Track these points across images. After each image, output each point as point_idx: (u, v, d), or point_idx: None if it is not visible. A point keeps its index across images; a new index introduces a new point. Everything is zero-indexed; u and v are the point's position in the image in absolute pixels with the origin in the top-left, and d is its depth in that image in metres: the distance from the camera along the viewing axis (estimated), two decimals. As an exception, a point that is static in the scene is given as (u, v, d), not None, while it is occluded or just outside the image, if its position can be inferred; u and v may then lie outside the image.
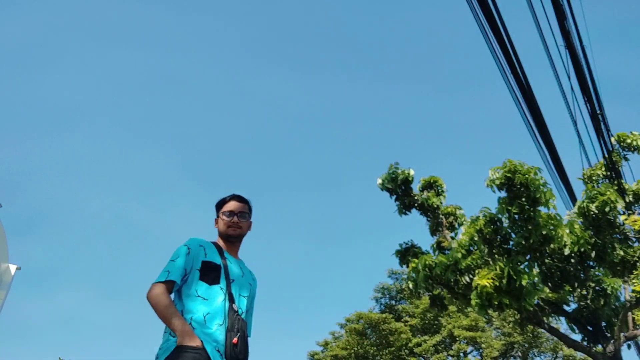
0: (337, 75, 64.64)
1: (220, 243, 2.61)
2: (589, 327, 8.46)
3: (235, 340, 2.24)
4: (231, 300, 2.35)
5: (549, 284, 8.09)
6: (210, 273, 2.39)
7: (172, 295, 2.33)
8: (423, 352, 20.95)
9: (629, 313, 8.13)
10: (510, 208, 7.46)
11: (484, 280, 6.96)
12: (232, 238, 2.60)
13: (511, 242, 7.92)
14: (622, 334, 7.91)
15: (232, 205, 2.65)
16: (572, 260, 7.76)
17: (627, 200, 8.77)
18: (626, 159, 9.73)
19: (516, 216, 7.55)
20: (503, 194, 7.63)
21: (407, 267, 9.27)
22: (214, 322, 2.26)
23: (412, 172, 10.04)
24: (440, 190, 10.22)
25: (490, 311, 7.33)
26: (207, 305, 2.30)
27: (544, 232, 7.36)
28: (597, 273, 8.02)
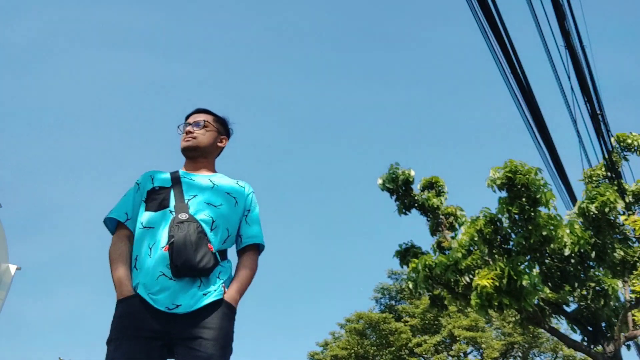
0: (338, 78, 64.66)
1: (185, 167, 2.24)
2: (589, 328, 8.45)
3: (165, 247, 1.87)
4: (177, 213, 1.96)
5: (549, 284, 8.08)
6: (157, 199, 2.04)
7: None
8: (423, 352, 20.94)
9: (629, 313, 8.13)
10: (510, 208, 7.45)
11: (484, 280, 6.96)
12: (187, 151, 2.20)
13: (511, 242, 7.91)
14: (622, 334, 7.90)
15: (188, 119, 2.28)
16: (572, 261, 7.76)
17: (627, 200, 8.77)
18: (626, 159, 9.74)
19: (516, 216, 7.54)
20: (503, 194, 7.63)
21: (407, 267, 9.27)
22: (158, 249, 1.92)
23: (412, 173, 10.05)
24: (441, 191, 10.22)
25: (490, 311, 7.32)
26: (153, 235, 1.95)
27: (544, 233, 7.35)
28: (597, 273, 8.01)
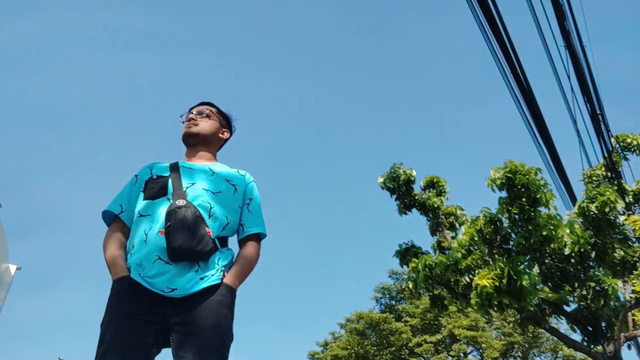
0: (338, 77, 64.66)
1: (185, 157, 2.24)
2: (589, 327, 8.46)
3: (162, 231, 1.86)
4: (175, 200, 1.94)
5: (549, 284, 8.09)
6: (154, 187, 2.03)
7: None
8: (423, 352, 20.95)
9: (629, 313, 8.13)
10: (510, 208, 7.46)
11: (484, 280, 6.96)
12: (190, 138, 2.20)
13: (511, 242, 7.92)
14: (622, 334, 7.91)
15: (192, 110, 2.30)
16: (572, 260, 7.76)
17: (627, 200, 8.78)
18: (626, 159, 9.74)
19: (516, 216, 7.55)
20: (503, 194, 7.64)
21: (407, 267, 9.28)
22: (154, 234, 1.90)
23: (414, 173, 10.07)
24: (442, 191, 10.23)
25: (490, 311, 7.33)
26: (149, 221, 1.93)
27: (544, 232, 7.35)
28: (597, 273, 8.02)
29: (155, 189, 2.02)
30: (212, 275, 1.87)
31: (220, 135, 2.30)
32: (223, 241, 2.03)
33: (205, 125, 2.23)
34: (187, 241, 1.83)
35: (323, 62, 68.03)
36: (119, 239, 1.98)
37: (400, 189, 10.07)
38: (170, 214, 1.88)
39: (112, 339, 1.72)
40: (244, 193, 2.15)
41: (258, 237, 2.11)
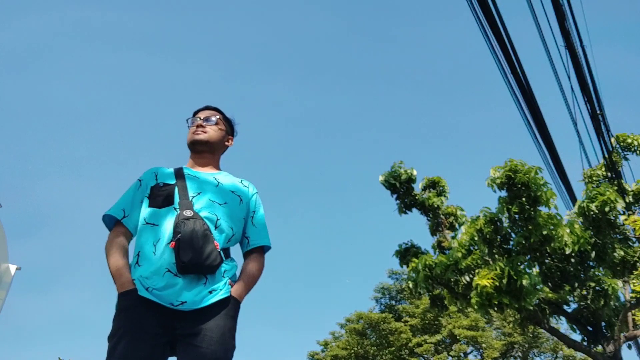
0: (339, 78, 64.64)
1: (190, 163, 2.24)
2: (589, 328, 8.45)
3: (172, 244, 1.85)
4: (182, 210, 1.94)
5: (549, 284, 8.09)
6: (161, 195, 2.01)
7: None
8: (423, 352, 20.94)
9: (629, 313, 8.13)
10: (510, 207, 7.46)
11: (484, 280, 6.96)
12: (198, 145, 2.20)
13: (511, 242, 7.92)
14: (622, 334, 7.91)
15: (198, 113, 2.30)
16: (572, 260, 7.76)
17: (627, 200, 8.77)
18: (626, 159, 9.74)
19: (516, 216, 7.54)
20: (503, 193, 7.64)
21: (407, 267, 9.28)
22: (162, 246, 1.90)
23: (414, 172, 10.07)
24: (442, 191, 10.23)
25: (490, 311, 7.33)
26: (156, 231, 1.93)
27: (544, 232, 7.35)
28: (597, 273, 8.02)
29: (161, 197, 2.02)
30: (220, 289, 1.90)
31: (226, 143, 2.33)
32: (227, 252, 2.05)
33: (213, 134, 2.24)
34: (196, 256, 1.84)
35: (323, 63, 68.00)
36: (122, 246, 1.97)
37: (402, 187, 10.07)
38: (178, 226, 1.88)
39: (122, 352, 1.74)
40: (248, 204, 2.17)
41: (262, 250, 2.14)
